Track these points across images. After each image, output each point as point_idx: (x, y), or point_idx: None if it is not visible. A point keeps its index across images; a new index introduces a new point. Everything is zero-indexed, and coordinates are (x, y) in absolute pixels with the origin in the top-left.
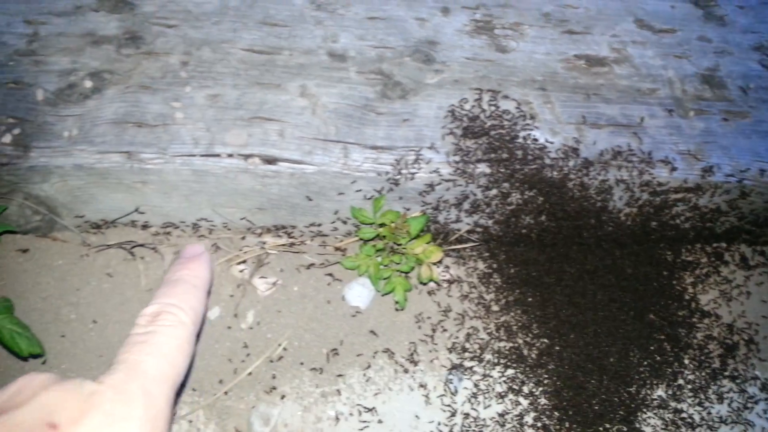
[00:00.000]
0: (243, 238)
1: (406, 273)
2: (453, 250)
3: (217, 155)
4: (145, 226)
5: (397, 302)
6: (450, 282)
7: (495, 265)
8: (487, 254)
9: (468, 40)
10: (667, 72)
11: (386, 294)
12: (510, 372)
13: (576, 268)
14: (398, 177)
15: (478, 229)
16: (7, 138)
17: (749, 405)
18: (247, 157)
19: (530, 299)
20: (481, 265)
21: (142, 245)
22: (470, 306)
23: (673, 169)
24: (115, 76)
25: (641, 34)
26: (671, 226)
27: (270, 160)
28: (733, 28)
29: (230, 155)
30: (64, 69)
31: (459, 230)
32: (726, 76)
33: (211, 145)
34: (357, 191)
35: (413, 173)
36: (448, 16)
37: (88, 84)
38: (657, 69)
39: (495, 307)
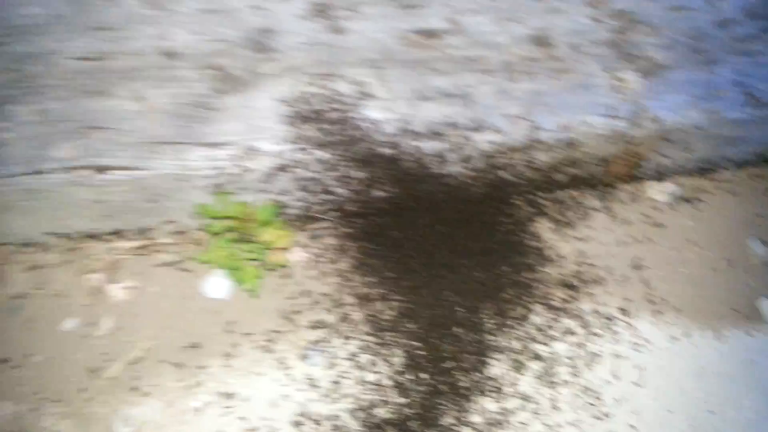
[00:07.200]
0: (92, 245)
1: (258, 261)
2: (310, 231)
3: (41, 172)
4: None
5: (250, 290)
6: (308, 262)
7: (351, 240)
8: (343, 230)
9: (304, 24)
10: (499, 37)
11: (240, 283)
12: (368, 338)
13: (427, 232)
14: (237, 170)
15: (333, 208)
16: None
17: (591, 337)
18: (76, 169)
19: (385, 266)
20: (337, 242)
21: None
22: (328, 282)
23: (500, 132)
24: None
25: (476, 2)
26: (514, 183)
27: (102, 170)
28: None
29: (56, 170)
30: None
31: (314, 212)
32: (556, 34)
33: (41, 162)
34: (199, 188)
35: (251, 165)
36: (284, 1)
37: None
38: (489, 35)
39: (352, 279)
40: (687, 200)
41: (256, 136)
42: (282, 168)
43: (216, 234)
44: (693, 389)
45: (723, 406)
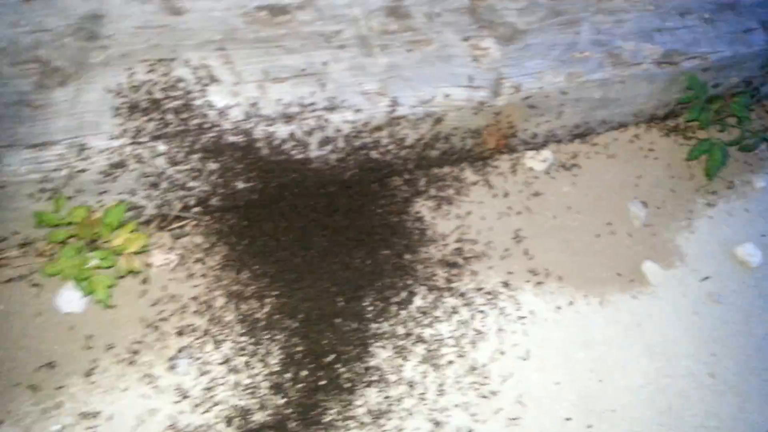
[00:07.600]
0: None
1: (110, 268)
2: (173, 231)
3: None
4: None
5: (101, 301)
6: (173, 264)
7: (219, 236)
8: (209, 227)
9: (138, 6)
10: (352, 10)
11: (91, 294)
12: (243, 339)
13: (300, 222)
14: (68, 171)
15: (193, 204)
16: None
17: (475, 315)
18: None
19: (258, 261)
20: (204, 240)
21: None
22: (196, 283)
23: (358, 111)
24: None
25: None
26: (387, 163)
27: None
28: None
29: None
30: None
31: (174, 210)
32: (412, 4)
33: None
34: (30, 195)
35: (83, 165)
36: None
37: None
38: (342, 9)
39: (222, 278)
40: (565, 167)
41: (87, 133)
42: (120, 165)
43: (62, 243)
44: (580, 359)
45: (611, 374)
